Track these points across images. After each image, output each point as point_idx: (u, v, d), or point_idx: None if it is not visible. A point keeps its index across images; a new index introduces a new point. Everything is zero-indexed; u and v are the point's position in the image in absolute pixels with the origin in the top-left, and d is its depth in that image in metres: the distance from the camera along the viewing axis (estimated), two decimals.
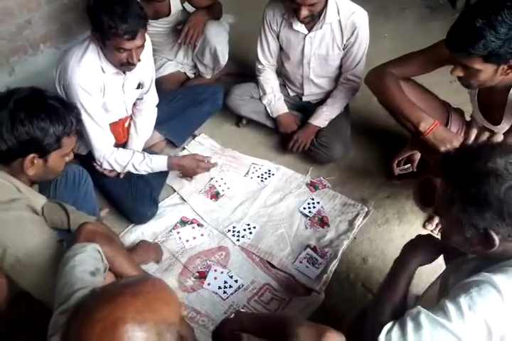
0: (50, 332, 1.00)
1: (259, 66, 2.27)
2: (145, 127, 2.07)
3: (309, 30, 2.03)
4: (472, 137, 1.35)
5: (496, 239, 0.94)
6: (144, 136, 2.07)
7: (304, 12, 1.85)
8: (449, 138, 1.64)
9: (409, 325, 0.94)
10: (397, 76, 1.81)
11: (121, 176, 1.95)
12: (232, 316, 1.16)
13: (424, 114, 1.70)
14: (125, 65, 1.73)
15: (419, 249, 1.21)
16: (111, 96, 1.84)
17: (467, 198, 0.94)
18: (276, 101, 2.26)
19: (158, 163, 1.92)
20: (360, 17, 1.98)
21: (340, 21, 1.99)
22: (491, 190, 0.90)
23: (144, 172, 1.93)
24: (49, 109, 1.26)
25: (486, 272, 0.95)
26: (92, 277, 1.08)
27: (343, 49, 2.08)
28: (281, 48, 2.19)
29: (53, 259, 1.19)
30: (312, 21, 1.97)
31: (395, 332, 0.95)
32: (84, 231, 1.23)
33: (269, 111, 2.28)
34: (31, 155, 1.26)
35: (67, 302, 0.99)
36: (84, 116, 1.72)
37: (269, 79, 2.27)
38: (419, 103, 1.83)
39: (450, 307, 0.92)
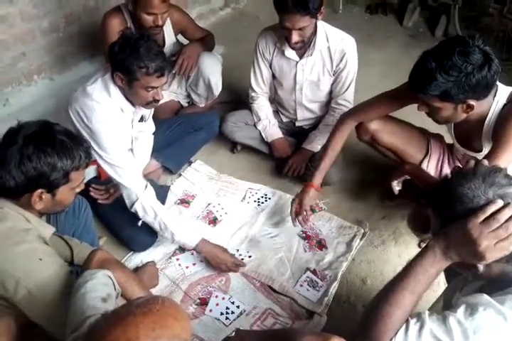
0: None
1: (253, 94, 2.33)
2: (142, 154, 2.09)
3: (300, 57, 2.11)
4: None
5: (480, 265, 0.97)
6: (142, 163, 2.09)
7: (295, 37, 1.93)
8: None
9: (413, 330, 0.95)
10: (355, 124, 1.95)
11: (110, 200, 1.94)
12: (232, 335, 1.16)
13: (318, 180, 1.94)
14: (150, 103, 1.79)
15: None
16: (123, 133, 1.87)
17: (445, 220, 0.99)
18: (271, 127, 2.32)
19: (192, 234, 1.83)
20: (349, 44, 2.08)
21: (329, 48, 2.08)
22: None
23: (168, 236, 1.80)
24: (57, 144, 1.24)
25: (492, 298, 0.95)
26: (104, 303, 1.09)
27: (333, 74, 2.16)
28: (273, 76, 2.26)
29: (64, 290, 1.18)
30: (303, 48, 2.06)
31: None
32: (96, 258, 1.24)
33: (264, 136, 2.33)
34: (39, 191, 1.24)
35: (80, 330, 1.00)
36: (115, 158, 1.77)
37: (262, 105, 2.33)
38: (400, 135, 1.93)
39: (455, 328, 0.92)
